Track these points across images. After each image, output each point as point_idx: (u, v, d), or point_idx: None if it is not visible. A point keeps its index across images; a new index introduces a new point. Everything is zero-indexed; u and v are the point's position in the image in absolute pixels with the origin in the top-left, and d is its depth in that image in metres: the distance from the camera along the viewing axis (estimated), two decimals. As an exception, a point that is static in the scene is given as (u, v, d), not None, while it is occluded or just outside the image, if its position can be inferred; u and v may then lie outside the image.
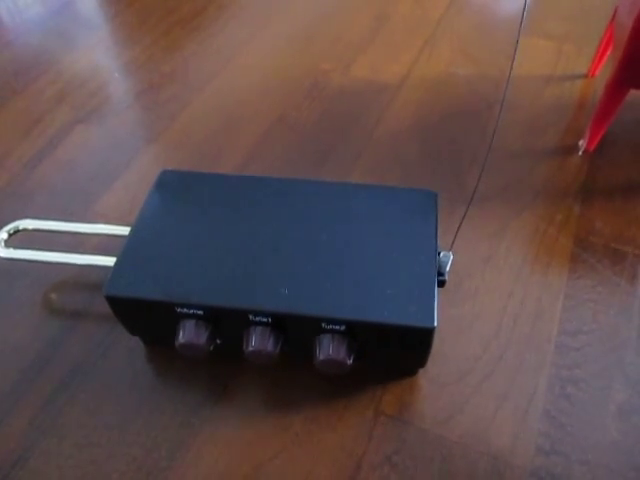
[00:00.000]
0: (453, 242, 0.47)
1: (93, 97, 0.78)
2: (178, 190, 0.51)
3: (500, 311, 0.52)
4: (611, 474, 0.43)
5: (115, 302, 0.45)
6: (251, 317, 0.43)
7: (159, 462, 0.45)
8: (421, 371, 0.49)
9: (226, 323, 0.44)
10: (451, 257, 0.46)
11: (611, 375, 0.48)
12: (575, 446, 0.45)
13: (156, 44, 0.87)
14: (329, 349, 0.42)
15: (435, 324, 0.41)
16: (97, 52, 0.87)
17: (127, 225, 0.51)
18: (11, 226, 0.56)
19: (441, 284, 0.46)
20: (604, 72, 0.76)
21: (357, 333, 0.43)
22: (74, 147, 0.71)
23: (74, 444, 0.46)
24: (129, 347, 0.51)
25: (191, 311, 0.44)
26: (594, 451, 0.44)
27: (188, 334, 0.44)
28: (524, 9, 0.38)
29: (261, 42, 0.86)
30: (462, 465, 0.44)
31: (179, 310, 0.44)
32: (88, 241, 0.59)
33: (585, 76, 0.76)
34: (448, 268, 0.46)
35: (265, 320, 0.43)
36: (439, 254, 0.46)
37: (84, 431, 0.46)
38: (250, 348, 0.43)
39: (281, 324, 0.43)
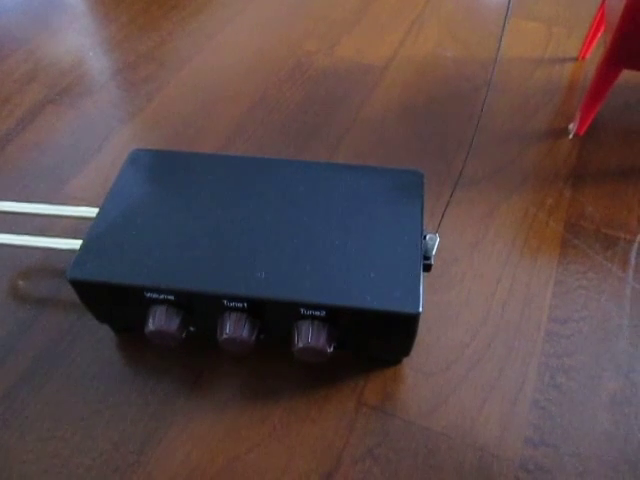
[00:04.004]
0: (439, 224, 0.45)
1: (65, 76, 0.75)
2: (150, 170, 0.48)
3: (488, 297, 0.50)
4: (602, 466, 0.41)
5: (80, 286, 0.42)
6: (226, 302, 0.40)
7: (127, 456, 0.42)
8: (405, 360, 0.46)
9: (199, 309, 0.42)
10: (437, 240, 0.44)
11: (602, 364, 0.46)
12: (565, 437, 0.43)
13: (133, 23, 0.83)
14: (308, 336, 0.40)
15: (420, 309, 0.38)
16: (71, 30, 0.83)
17: (98, 207, 0.48)
18: (-27, 208, 0.53)
19: (427, 268, 0.43)
20: (595, 55, 0.74)
21: (338, 319, 0.40)
22: (44, 128, 0.68)
23: (37, 437, 0.43)
24: (98, 336, 0.49)
25: (161, 296, 0.41)
26: (585, 442, 0.42)
27: (158, 321, 0.41)
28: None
29: (242, 21, 0.83)
30: (448, 458, 0.42)
31: (149, 295, 0.41)
32: (57, 224, 0.56)
33: (575, 59, 0.74)
34: (434, 251, 0.43)
35: (240, 305, 0.40)
36: (425, 237, 0.44)
37: (48, 424, 0.44)
38: (224, 335, 0.41)
39: (257, 310, 0.41)
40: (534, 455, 0.42)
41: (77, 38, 0.82)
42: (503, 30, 0.34)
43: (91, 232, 0.44)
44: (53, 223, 0.56)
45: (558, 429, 0.43)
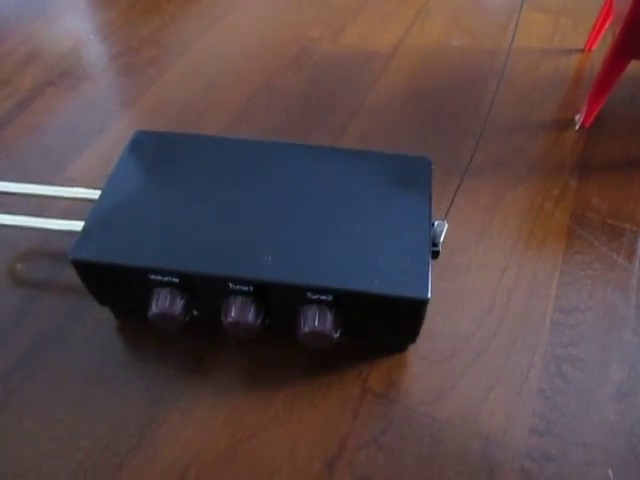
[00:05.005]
0: (448, 211, 0.44)
1: (65, 59, 0.74)
2: (154, 151, 0.48)
3: (494, 286, 0.50)
4: (608, 456, 0.41)
5: (82, 267, 0.41)
6: (231, 286, 0.40)
7: (128, 440, 0.41)
8: (411, 347, 0.46)
9: (204, 292, 0.41)
10: (446, 226, 0.43)
11: (609, 354, 0.46)
12: (571, 427, 0.42)
13: (134, 6, 0.82)
14: (314, 321, 0.39)
15: (429, 295, 0.38)
16: (72, 13, 0.82)
17: (99, 190, 0.47)
18: (-29, 188, 0.52)
19: (435, 255, 0.43)
20: (601, 47, 0.73)
21: (345, 304, 0.39)
22: (44, 110, 0.67)
23: (35, 421, 0.42)
24: (98, 319, 0.48)
25: (165, 278, 0.40)
26: (591, 433, 0.42)
27: (162, 304, 0.40)
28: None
29: (246, 6, 0.82)
30: (452, 446, 0.41)
31: (152, 277, 0.40)
32: (55, 206, 0.55)
33: (582, 50, 0.74)
34: (442, 238, 0.43)
35: (246, 289, 0.40)
36: (433, 224, 0.43)
37: (46, 407, 0.43)
38: (229, 319, 0.40)
39: (263, 294, 0.40)
40: (539, 445, 0.41)
41: (77, 22, 0.81)
42: (518, 20, 0.33)
43: (94, 212, 0.43)
44: (52, 205, 0.55)
45: (564, 419, 0.43)
